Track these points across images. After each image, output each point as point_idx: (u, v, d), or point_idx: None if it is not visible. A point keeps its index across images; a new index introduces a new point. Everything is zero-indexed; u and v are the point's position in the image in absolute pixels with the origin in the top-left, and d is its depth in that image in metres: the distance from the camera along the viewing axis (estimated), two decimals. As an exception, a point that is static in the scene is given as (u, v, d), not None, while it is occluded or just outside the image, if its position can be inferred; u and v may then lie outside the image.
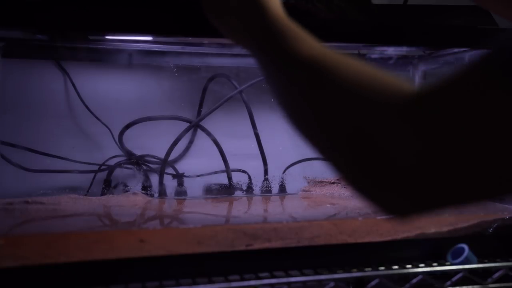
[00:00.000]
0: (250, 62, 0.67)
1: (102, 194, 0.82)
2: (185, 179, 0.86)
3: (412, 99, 0.32)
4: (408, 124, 0.32)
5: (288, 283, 0.55)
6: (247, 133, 0.89)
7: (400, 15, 0.75)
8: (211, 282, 0.53)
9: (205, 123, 0.88)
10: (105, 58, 0.83)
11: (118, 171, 0.84)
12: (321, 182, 0.90)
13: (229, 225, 0.62)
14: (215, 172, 0.88)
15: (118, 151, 0.85)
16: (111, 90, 0.86)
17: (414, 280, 0.59)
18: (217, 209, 0.80)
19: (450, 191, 0.32)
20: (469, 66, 0.32)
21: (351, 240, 0.61)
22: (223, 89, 0.89)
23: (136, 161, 0.85)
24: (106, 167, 0.83)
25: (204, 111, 0.89)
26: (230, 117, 0.90)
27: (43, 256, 0.51)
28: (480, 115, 0.30)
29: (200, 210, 0.79)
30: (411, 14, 0.76)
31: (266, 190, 0.90)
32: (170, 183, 0.86)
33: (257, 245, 0.57)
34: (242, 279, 0.55)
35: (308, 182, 0.91)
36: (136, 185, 0.84)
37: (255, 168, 0.89)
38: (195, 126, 0.88)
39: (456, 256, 0.61)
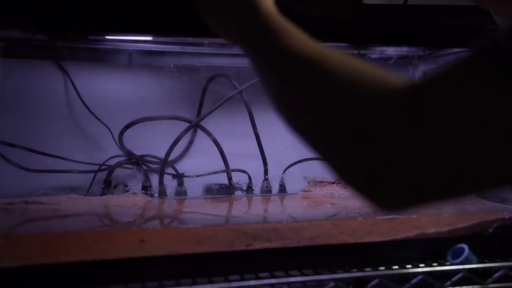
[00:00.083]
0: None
1: (102, 194, 0.82)
2: (185, 179, 0.86)
3: (404, 92, 0.33)
4: (402, 117, 0.32)
5: (288, 283, 0.55)
6: (247, 133, 0.89)
7: (400, 15, 0.75)
8: (211, 282, 0.53)
9: (205, 123, 0.88)
10: (105, 58, 0.83)
11: (118, 171, 0.84)
12: (321, 182, 0.90)
13: (229, 225, 0.62)
14: (215, 172, 0.88)
15: (118, 151, 0.85)
16: (111, 90, 0.86)
17: (414, 280, 0.59)
18: (217, 209, 0.80)
19: (445, 183, 0.32)
20: (461, 59, 0.32)
21: (351, 240, 0.61)
22: (223, 89, 0.89)
23: (136, 161, 0.85)
24: (106, 167, 0.83)
25: (204, 111, 0.89)
26: (230, 117, 0.90)
27: (43, 256, 0.51)
28: (473, 108, 0.30)
29: (200, 210, 0.79)
30: (411, 14, 0.76)
31: (266, 190, 0.90)
32: (170, 183, 0.86)
33: (257, 245, 0.57)
34: (242, 279, 0.55)
35: (308, 182, 0.91)
36: (136, 185, 0.84)
37: (255, 168, 0.89)
38: (195, 126, 0.88)
39: (456, 256, 0.61)
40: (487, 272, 0.61)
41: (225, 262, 0.56)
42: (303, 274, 0.56)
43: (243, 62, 0.86)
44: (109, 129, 0.84)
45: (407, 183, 0.32)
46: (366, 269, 0.59)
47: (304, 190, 0.90)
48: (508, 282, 0.61)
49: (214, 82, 0.89)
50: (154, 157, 0.86)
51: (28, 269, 0.51)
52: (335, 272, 0.57)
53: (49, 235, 0.54)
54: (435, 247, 0.63)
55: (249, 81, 0.87)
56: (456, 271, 0.60)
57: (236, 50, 0.77)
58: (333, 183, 0.89)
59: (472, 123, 0.30)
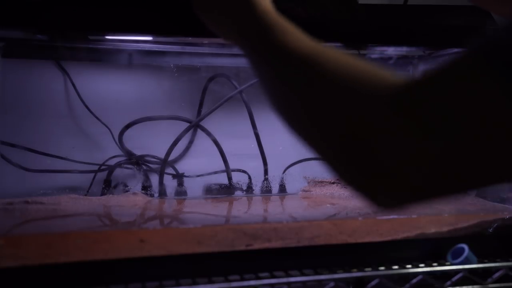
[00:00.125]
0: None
1: (102, 194, 0.82)
2: (185, 179, 0.86)
3: (402, 91, 0.33)
4: (399, 116, 0.32)
5: (288, 283, 0.55)
6: (247, 133, 0.89)
7: (400, 15, 0.75)
8: (211, 282, 0.53)
9: (205, 123, 0.88)
10: (105, 58, 0.83)
11: (118, 171, 0.84)
12: (321, 182, 0.90)
13: (229, 225, 0.62)
14: (215, 172, 0.88)
15: (118, 151, 0.85)
16: (111, 90, 0.86)
17: (414, 280, 0.59)
18: (217, 209, 0.80)
19: (443, 181, 0.32)
20: (459, 58, 0.32)
21: (351, 240, 0.61)
22: (223, 89, 0.89)
23: (136, 161, 0.85)
24: (106, 167, 0.83)
25: (204, 111, 0.89)
26: (230, 117, 0.90)
27: (43, 256, 0.51)
28: (470, 106, 0.30)
29: (200, 210, 0.79)
30: (411, 14, 0.76)
31: (266, 190, 0.90)
32: (170, 183, 0.86)
33: (257, 245, 0.57)
34: (242, 279, 0.55)
35: (308, 182, 0.91)
36: (136, 185, 0.84)
37: (255, 168, 0.89)
38: (195, 126, 0.88)
39: (456, 256, 0.61)
40: (487, 272, 0.61)
41: (225, 262, 0.56)
42: (303, 274, 0.56)
43: (243, 62, 0.85)
44: (109, 129, 0.83)
45: (406, 181, 0.32)
46: (366, 269, 0.59)
47: (304, 190, 0.90)
48: (508, 282, 0.61)
49: (214, 82, 0.89)
50: (154, 157, 0.86)
51: (28, 269, 0.51)
52: (335, 272, 0.57)
53: (49, 235, 0.54)
54: (435, 247, 0.63)
55: (249, 81, 0.87)
56: (456, 271, 0.60)
57: (236, 50, 0.77)
58: (333, 183, 0.89)
59: (470, 122, 0.30)
